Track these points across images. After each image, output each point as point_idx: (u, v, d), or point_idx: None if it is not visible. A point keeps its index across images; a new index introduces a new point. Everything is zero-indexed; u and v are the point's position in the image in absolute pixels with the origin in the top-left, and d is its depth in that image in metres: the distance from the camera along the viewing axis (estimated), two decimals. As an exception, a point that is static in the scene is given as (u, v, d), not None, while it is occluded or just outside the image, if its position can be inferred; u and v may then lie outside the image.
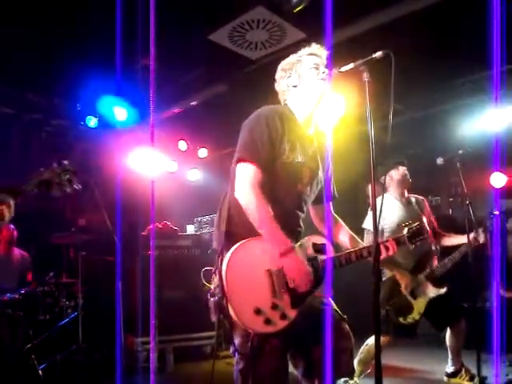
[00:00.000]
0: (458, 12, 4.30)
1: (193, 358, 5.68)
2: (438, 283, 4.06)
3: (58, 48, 4.89)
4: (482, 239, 3.98)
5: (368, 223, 4.18)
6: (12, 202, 4.24)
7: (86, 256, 5.72)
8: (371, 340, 3.97)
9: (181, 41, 4.90)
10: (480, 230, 3.99)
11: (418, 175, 6.63)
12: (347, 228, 2.63)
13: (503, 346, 3.77)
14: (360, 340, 3.71)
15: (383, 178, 4.16)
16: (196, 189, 7.67)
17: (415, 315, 4.01)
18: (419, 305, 4.02)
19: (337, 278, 2.32)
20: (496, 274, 4.23)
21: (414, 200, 4.40)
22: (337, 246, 2.51)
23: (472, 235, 3.96)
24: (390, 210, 4.19)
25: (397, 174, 4.33)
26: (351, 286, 5.65)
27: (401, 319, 4.01)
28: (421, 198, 4.47)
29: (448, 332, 4.20)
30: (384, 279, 4.13)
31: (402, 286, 4.01)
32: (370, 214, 4.16)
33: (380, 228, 4.02)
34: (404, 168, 4.36)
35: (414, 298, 4.02)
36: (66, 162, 2.05)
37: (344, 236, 2.58)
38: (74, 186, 2.06)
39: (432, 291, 4.03)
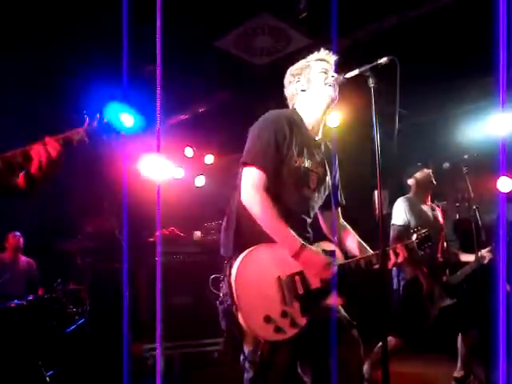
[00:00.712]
0: (463, 16, 4.31)
1: (200, 365, 5.67)
2: (450, 293, 4.05)
3: (63, 54, 4.91)
4: (486, 260, 4.00)
5: (396, 219, 4.15)
6: None
7: (92, 263, 5.73)
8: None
9: (187, 47, 4.92)
10: (485, 251, 4.01)
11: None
12: (355, 235, 2.62)
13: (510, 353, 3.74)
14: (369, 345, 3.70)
15: (408, 179, 4.17)
16: (202, 195, 7.68)
17: (429, 320, 4.00)
18: (434, 311, 4.01)
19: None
20: (503, 280, 4.20)
21: (434, 206, 4.40)
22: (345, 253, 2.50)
23: (479, 254, 3.98)
24: (416, 212, 4.16)
25: (421, 176, 4.31)
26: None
27: (416, 323, 4.00)
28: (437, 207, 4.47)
29: (459, 338, 4.18)
30: (405, 280, 4.11)
31: (424, 289, 3.99)
32: (397, 208, 4.16)
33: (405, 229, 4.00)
34: (429, 170, 4.32)
35: (432, 303, 4.01)
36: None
37: (352, 243, 2.57)
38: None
39: (446, 300, 4.02)
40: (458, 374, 4.25)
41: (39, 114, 6.06)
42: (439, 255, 4.14)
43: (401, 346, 3.96)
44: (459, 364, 4.24)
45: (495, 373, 3.78)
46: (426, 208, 4.26)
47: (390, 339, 3.83)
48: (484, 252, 4.05)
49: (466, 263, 4.15)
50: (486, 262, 4.02)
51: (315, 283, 2.20)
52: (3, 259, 5.79)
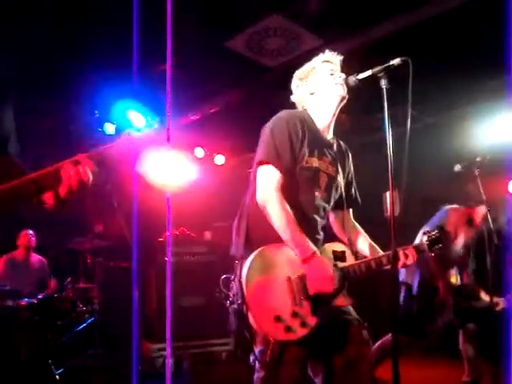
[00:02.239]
0: (476, 16, 4.29)
1: (209, 364, 5.68)
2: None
3: (74, 53, 4.94)
4: (499, 307, 4.02)
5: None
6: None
7: (102, 262, 5.76)
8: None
9: (198, 48, 4.94)
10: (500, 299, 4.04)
11: (435, 182, 6.60)
12: (366, 236, 2.61)
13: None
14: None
15: None
16: (213, 195, 7.69)
17: (433, 328, 4.02)
18: (440, 322, 4.01)
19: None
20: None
21: None
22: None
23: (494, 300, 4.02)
24: None
25: None
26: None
27: (421, 327, 4.00)
28: None
29: (461, 339, 4.16)
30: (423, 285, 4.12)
31: (439, 296, 4.01)
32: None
33: None
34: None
35: (441, 313, 4.02)
36: None
37: (363, 244, 2.56)
38: None
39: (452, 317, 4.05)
40: (467, 378, 4.22)
41: (51, 111, 6.11)
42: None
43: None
44: (467, 367, 4.21)
45: (506, 370, 3.77)
46: None
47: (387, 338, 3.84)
48: (499, 300, 4.07)
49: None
50: (498, 308, 4.03)
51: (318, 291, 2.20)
52: (15, 257, 5.83)
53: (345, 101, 2.46)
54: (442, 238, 2.50)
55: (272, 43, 4.93)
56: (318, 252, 2.20)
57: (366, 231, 2.66)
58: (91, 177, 1.69)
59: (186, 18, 4.42)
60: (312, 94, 2.49)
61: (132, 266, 5.55)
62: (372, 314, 2.89)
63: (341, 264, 2.30)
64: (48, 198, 1.72)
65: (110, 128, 6.23)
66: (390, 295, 2.21)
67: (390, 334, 3.74)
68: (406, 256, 2.40)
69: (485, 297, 4.22)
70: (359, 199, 2.67)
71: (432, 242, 2.49)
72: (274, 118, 2.39)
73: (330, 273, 2.19)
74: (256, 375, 2.24)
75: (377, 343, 4.00)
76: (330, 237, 2.53)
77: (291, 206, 2.22)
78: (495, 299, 4.02)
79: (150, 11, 4.03)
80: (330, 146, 2.50)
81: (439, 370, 5.23)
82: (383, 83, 2.17)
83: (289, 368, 2.15)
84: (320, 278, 2.16)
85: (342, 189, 2.53)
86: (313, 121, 2.46)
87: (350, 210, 2.66)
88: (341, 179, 2.51)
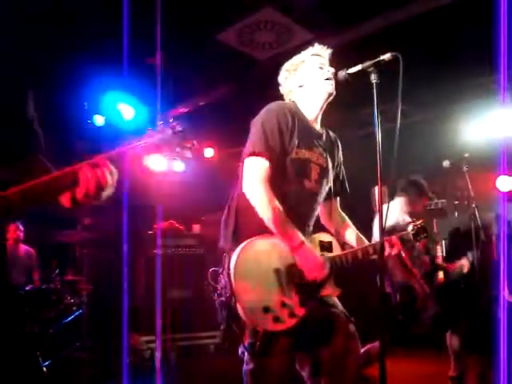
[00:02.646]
0: (464, 14, 4.30)
1: (197, 357, 5.70)
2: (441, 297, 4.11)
3: (64, 44, 4.89)
4: (466, 269, 4.04)
5: None
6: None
7: (90, 254, 5.75)
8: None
9: (189, 40, 4.92)
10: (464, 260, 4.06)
11: (424, 178, 6.64)
12: (354, 227, 2.62)
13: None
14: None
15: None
16: (202, 188, 7.68)
17: (422, 326, 4.07)
18: (426, 318, 4.04)
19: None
20: (503, 279, 4.23)
21: None
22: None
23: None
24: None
25: None
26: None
27: (408, 328, 4.04)
28: None
29: (448, 336, 4.19)
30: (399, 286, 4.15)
31: (418, 295, 4.04)
32: None
33: None
34: None
35: (424, 309, 4.06)
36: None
37: (350, 235, 2.58)
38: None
39: (437, 307, 4.07)
40: (453, 373, 4.25)
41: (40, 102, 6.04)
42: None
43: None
44: (453, 363, 4.24)
45: (494, 363, 3.80)
46: None
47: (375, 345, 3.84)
48: (463, 261, 4.10)
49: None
50: (465, 271, 4.08)
51: (310, 278, 2.21)
52: (3, 249, 5.80)
53: (332, 96, 2.46)
54: (427, 229, 2.53)
55: (263, 37, 4.92)
56: (306, 241, 2.21)
57: (354, 222, 2.67)
58: (110, 181, 1.63)
59: (177, 10, 4.41)
60: (300, 86, 2.49)
61: (121, 258, 5.55)
62: (360, 310, 2.91)
63: (327, 254, 2.31)
64: (65, 199, 1.67)
65: (99, 120, 6.19)
66: (377, 291, 2.22)
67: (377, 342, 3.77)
68: (392, 246, 2.43)
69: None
70: (347, 188, 2.68)
71: (417, 232, 2.53)
72: (263, 109, 2.38)
73: (319, 260, 2.20)
74: (245, 367, 2.24)
75: (365, 347, 4.04)
76: (318, 228, 2.54)
77: (281, 197, 2.22)
78: (459, 262, 4.08)
79: (140, 3, 4.02)
80: (320, 136, 2.51)
81: (424, 365, 5.28)
82: (373, 78, 2.18)
83: (277, 359, 2.17)
84: (310, 266, 2.17)
85: (332, 179, 2.55)
86: (302, 112, 2.46)
87: (337, 199, 2.66)
88: (330, 169, 2.52)
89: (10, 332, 1.73)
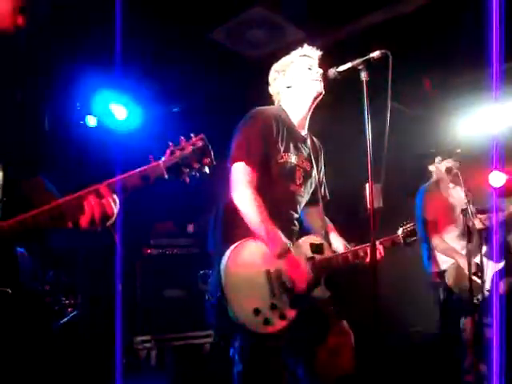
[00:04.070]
0: (456, 9, 4.31)
1: (191, 357, 5.69)
2: None
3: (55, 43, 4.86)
4: None
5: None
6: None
7: (85, 255, 5.72)
8: None
9: (180, 39, 4.90)
10: None
11: (416, 174, 6.64)
12: (336, 232, 2.65)
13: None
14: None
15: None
16: (196, 188, 7.66)
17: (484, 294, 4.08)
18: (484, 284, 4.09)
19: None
20: (496, 275, 4.24)
21: None
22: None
23: None
24: None
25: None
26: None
27: (475, 299, 4.05)
28: None
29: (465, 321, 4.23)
30: (447, 266, 4.21)
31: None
32: None
33: None
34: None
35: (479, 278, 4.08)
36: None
37: (334, 239, 2.60)
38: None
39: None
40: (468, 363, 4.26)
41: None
42: None
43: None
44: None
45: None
46: None
47: None
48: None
49: None
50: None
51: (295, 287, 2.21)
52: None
53: (321, 96, 2.47)
54: (416, 231, 2.55)
55: (254, 35, 4.90)
56: (291, 247, 2.22)
57: (344, 223, 2.68)
58: (115, 210, 1.61)
59: (168, 9, 4.40)
60: (289, 87, 2.50)
61: (115, 258, 5.53)
62: (353, 307, 2.92)
63: (318, 256, 2.32)
64: (69, 225, 1.64)
65: (91, 120, 6.15)
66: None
67: None
68: (384, 248, 2.45)
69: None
70: (328, 195, 2.70)
71: (407, 235, 2.54)
72: (247, 115, 2.40)
73: (303, 270, 2.21)
74: (235, 368, 2.25)
75: None
76: (306, 230, 2.56)
77: (267, 201, 2.23)
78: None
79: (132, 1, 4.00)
80: (304, 140, 2.52)
81: (417, 360, 5.30)
82: (363, 76, 2.18)
83: (268, 360, 2.17)
84: (293, 274, 2.17)
85: (316, 183, 2.55)
86: (288, 116, 2.47)
87: (321, 205, 2.67)
88: (314, 173, 2.53)
89: (34, 332, 1.73)
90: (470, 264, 3.83)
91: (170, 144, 1.65)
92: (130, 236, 5.82)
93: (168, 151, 1.64)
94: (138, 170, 1.62)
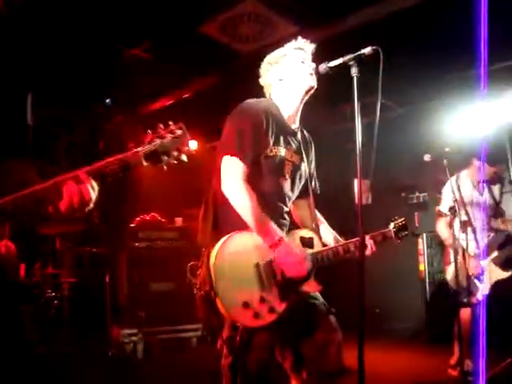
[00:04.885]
0: (445, 9, 4.33)
1: (179, 350, 5.69)
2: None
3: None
4: None
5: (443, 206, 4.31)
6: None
7: (72, 247, 5.70)
8: None
9: (172, 32, 4.88)
10: None
11: (405, 171, 6.69)
12: (328, 226, 2.65)
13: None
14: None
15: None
16: (185, 181, 7.64)
17: (479, 296, 4.12)
18: (484, 286, 4.14)
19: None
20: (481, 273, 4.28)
21: None
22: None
23: None
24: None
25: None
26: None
27: (466, 300, 4.09)
28: None
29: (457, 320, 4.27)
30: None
31: (470, 270, 4.09)
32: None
33: None
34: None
35: (480, 281, 4.14)
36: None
37: (325, 231, 2.61)
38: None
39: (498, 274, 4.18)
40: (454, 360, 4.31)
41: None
42: None
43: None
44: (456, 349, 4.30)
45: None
46: None
47: None
48: None
49: None
50: None
51: (290, 275, 2.22)
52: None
53: (313, 91, 2.47)
54: (407, 226, 2.56)
55: (246, 29, 4.90)
56: (285, 237, 2.22)
57: (335, 219, 2.69)
58: (93, 196, 1.61)
59: (160, 2, 4.38)
60: (281, 80, 2.49)
61: (103, 251, 5.52)
62: (342, 301, 2.93)
63: (309, 250, 2.32)
64: (50, 210, 1.63)
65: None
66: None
67: None
68: (375, 242, 2.46)
69: None
70: (318, 189, 2.70)
71: (398, 229, 2.56)
72: (237, 108, 2.38)
73: (299, 256, 2.20)
74: (224, 361, 2.25)
75: None
76: (296, 224, 2.56)
77: (257, 193, 2.23)
78: None
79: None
80: (294, 134, 2.52)
81: (404, 356, 5.35)
82: (353, 71, 2.18)
83: (257, 353, 2.17)
84: (290, 262, 2.18)
85: (307, 177, 2.56)
86: (278, 109, 2.46)
87: (311, 198, 2.67)
88: (305, 168, 2.53)
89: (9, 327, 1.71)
90: (456, 251, 3.91)
91: (149, 132, 1.66)
92: (116, 228, 5.83)
93: (146, 139, 1.64)
94: (116, 157, 1.62)
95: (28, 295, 4.95)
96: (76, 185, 1.58)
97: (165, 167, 1.65)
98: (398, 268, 6.03)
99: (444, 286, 4.52)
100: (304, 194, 2.58)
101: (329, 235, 2.58)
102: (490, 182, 4.48)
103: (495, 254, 4.24)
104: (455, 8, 4.12)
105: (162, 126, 1.66)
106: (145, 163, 1.62)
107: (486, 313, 3.96)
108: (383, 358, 5.08)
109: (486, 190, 4.45)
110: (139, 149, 1.62)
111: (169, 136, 1.64)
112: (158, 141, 1.63)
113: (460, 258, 4.07)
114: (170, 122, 1.68)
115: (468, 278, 4.02)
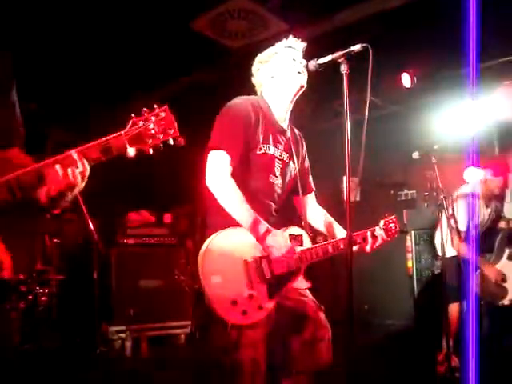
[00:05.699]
0: (434, 7, 4.35)
1: (167, 347, 5.68)
2: None
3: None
4: None
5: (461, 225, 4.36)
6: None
7: (60, 243, 5.66)
8: None
9: (162, 28, 4.86)
10: None
11: (394, 169, 6.73)
12: (333, 219, 2.65)
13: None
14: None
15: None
16: (174, 178, 7.62)
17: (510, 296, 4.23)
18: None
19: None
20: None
21: None
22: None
23: None
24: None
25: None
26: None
27: (500, 302, 4.23)
28: None
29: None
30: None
31: (492, 278, 4.24)
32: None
33: None
34: None
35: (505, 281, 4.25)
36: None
37: (330, 226, 2.61)
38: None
39: None
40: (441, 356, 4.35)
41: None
42: None
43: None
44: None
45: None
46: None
47: None
48: None
49: None
50: None
51: (280, 268, 2.22)
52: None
53: (303, 89, 2.47)
54: (398, 224, 2.58)
55: (236, 25, 4.89)
56: (271, 228, 2.21)
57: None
58: (79, 179, 1.55)
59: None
60: (272, 77, 2.49)
61: (91, 247, 5.48)
62: (331, 298, 2.95)
63: (298, 248, 2.32)
64: (41, 195, 1.58)
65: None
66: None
67: None
68: (364, 240, 2.46)
69: None
70: (313, 186, 2.70)
71: (388, 227, 2.57)
72: (227, 105, 2.38)
73: (288, 243, 2.20)
74: (213, 358, 2.25)
75: None
76: (287, 221, 2.55)
77: (244, 192, 2.23)
78: None
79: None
80: (284, 132, 2.52)
81: (392, 352, 5.36)
82: (343, 69, 2.18)
83: (247, 351, 2.17)
84: (279, 246, 2.17)
85: (297, 175, 2.55)
86: (269, 107, 2.47)
87: (309, 195, 2.68)
88: (294, 165, 2.53)
89: None
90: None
91: (132, 116, 1.60)
92: (105, 224, 5.79)
93: (130, 122, 1.58)
94: (98, 141, 1.55)
95: (15, 292, 4.91)
96: (62, 168, 1.52)
97: (151, 151, 1.60)
98: (387, 264, 6.05)
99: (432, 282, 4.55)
100: (293, 192, 2.58)
101: (333, 229, 2.59)
102: (497, 197, 4.57)
103: (507, 251, 4.31)
104: (445, 6, 4.14)
105: (146, 109, 1.61)
106: (129, 147, 1.56)
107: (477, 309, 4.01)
108: (372, 354, 5.10)
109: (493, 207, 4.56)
110: (122, 132, 1.56)
111: (153, 118, 1.59)
112: (141, 123, 1.57)
113: (484, 268, 4.18)
114: (155, 105, 1.62)
115: (497, 285, 4.17)
